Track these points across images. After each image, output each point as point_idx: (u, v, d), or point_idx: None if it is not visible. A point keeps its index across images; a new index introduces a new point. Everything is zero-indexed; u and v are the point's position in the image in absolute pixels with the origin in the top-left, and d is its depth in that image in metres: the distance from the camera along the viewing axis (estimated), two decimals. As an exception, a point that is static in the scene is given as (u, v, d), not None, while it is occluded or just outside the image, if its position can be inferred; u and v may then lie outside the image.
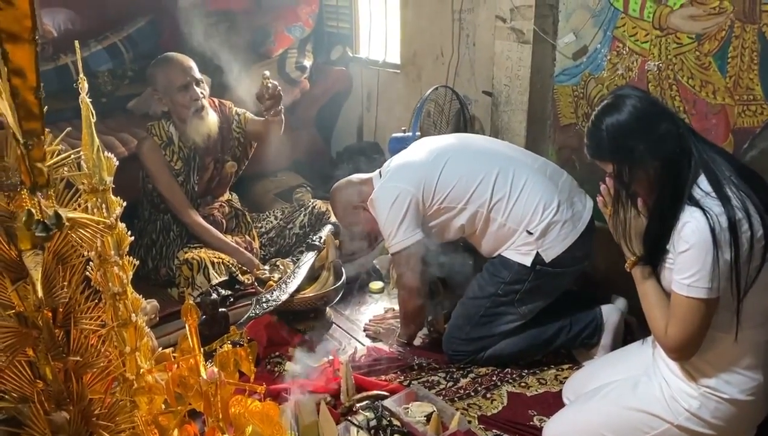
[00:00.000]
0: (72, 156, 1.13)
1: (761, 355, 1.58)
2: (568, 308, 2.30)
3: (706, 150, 1.58)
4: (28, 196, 1.02)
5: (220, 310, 2.47)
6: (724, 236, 1.45)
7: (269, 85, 2.64)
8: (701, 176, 1.54)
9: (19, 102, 0.78)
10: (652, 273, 1.65)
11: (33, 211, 0.89)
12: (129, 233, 1.33)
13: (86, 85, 1.21)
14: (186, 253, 2.73)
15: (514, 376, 2.25)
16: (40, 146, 0.82)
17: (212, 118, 2.76)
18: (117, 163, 1.27)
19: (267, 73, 2.67)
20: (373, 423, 1.91)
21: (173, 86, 2.67)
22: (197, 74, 2.70)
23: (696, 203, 1.50)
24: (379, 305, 2.80)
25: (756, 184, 1.56)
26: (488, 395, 2.15)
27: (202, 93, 2.70)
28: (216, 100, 2.90)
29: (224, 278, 2.70)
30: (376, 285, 2.91)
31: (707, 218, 1.46)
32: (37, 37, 0.75)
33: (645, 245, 1.65)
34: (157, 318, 2.14)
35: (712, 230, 1.45)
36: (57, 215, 0.90)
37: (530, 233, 2.17)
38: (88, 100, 1.21)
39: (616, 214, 1.69)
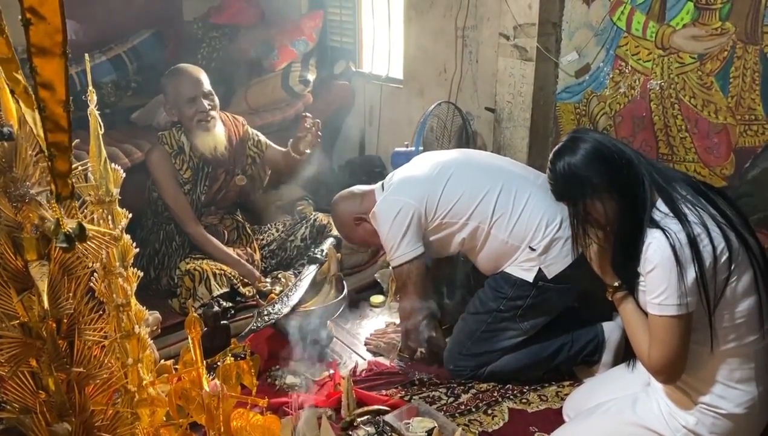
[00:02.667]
0: (79, 168, 1.15)
1: (754, 367, 1.59)
2: (569, 324, 2.29)
3: (661, 174, 1.63)
4: (34, 207, 1.02)
5: (221, 322, 2.46)
6: (685, 252, 1.49)
7: (309, 122, 2.74)
8: (659, 200, 1.59)
9: (46, 115, 0.78)
10: (631, 299, 1.68)
11: (60, 221, 0.89)
12: (134, 244, 1.33)
13: (95, 98, 1.22)
14: (188, 263, 2.73)
15: (516, 392, 2.24)
16: (65, 159, 0.83)
17: (220, 132, 2.77)
18: (124, 175, 1.28)
19: (309, 115, 2.80)
20: (373, 438, 1.91)
21: (182, 98, 2.69)
22: (206, 87, 2.72)
23: (656, 225, 1.54)
24: (380, 319, 2.79)
25: (712, 200, 1.61)
26: (489, 411, 2.14)
27: (209, 105, 2.72)
28: (229, 115, 2.92)
29: (226, 289, 2.70)
30: (377, 299, 2.90)
31: (666, 236, 1.50)
32: (67, 50, 0.76)
33: (617, 272, 1.70)
34: (159, 330, 2.14)
35: (673, 248, 1.49)
36: (81, 227, 0.90)
37: (533, 249, 2.17)
38: (97, 113, 1.22)
39: (582, 249, 1.75)
